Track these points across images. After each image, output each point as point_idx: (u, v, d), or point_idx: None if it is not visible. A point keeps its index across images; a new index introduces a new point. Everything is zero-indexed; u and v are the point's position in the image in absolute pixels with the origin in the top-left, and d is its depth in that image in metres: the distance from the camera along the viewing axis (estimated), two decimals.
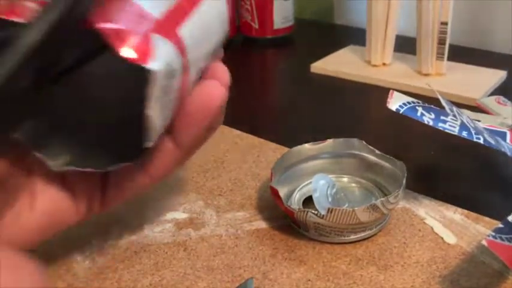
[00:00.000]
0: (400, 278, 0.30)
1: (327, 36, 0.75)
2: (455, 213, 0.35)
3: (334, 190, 0.36)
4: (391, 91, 0.35)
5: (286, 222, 0.35)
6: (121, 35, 0.22)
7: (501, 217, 0.29)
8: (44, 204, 0.27)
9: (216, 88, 0.28)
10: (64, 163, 0.26)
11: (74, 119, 0.28)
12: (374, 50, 0.59)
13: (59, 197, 0.27)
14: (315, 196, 0.35)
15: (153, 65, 0.22)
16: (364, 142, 0.37)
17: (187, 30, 0.26)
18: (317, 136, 0.39)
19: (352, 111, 0.52)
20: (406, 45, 0.60)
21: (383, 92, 0.37)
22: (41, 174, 0.27)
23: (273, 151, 0.44)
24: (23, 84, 0.21)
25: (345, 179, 0.38)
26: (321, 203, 0.35)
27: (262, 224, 0.35)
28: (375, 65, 0.60)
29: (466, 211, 0.35)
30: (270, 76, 0.65)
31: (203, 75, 0.29)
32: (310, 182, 0.37)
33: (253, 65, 0.67)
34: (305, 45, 0.72)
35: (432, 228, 0.34)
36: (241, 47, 0.72)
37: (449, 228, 0.34)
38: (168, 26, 0.25)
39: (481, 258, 0.31)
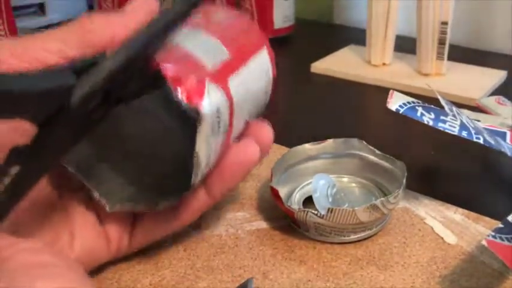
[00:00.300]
0: (400, 278, 0.30)
1: (327, 36, 0.75)
2: (456, 213, 0.35)
3: (334, 190, 0.36)
4: (391, 91, 0.35)
5: (286, 222, 0.35)
6: (179, 77, 0.25)
7: (501, 217, 0.29)
8: (83, 243, 0.29)
9: (253, 148, 0.30)
10: (118, 202, 0.29)
11: (128, 158, 0.30)
12: (374, 50, 0.59)
13: (94, 237, 0.29)
14: (315, 196, 0.35)
15: (205, 106, 0.25)
16: (364, 142, 0.37)
17: (234, 84, 0.28)
18: (317, 136, 0.39)
19: (352, 111, 0.52)
20: (406, 45, 0.60)
21: (383, 92, 0.37)
22: (79, 215, 0.29)
23: (273, 151, 0.43)
24: (92, 105, 0.23)
25: (345, 179, 0.38)
26: (321, 203, 0.35)
27: (262, 224, 0.35)
28: (375, 65, 0.59)
29: (466, 211, 0.35)
30: None
31: (246, 132, 0.31)
32: (310, 182, 0.37)
33: None
34: (305, 45, 0.72)
35: (432, 228, 0.34)
36: None
37: (450, 228, 0.34)
38: (219, 77, 0.27)
39: (481, 258, 0.31)
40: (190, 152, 0.25)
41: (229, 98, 0.27)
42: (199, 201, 0.30)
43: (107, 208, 0.28)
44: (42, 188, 0.28)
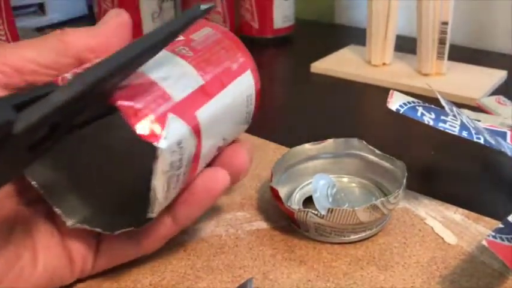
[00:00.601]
0: (400, 278, 0.30)
1: (327, 36, 0.75)
2: (456, 213, 0.35)
3: (334, 190, 0.36)
4: (391, 91, 0.35)
5: (286, 222, 0.35)
6: (137, 113, 0.24)
7: (501, 217, 0.29)
8: (45, 261, 0.28)
9: (222, 176, 0.29)
10: (78, 221, 0.28)
11: (89, 181, 0.30)
12: (374, 50, 0.59)
13: (58, 256, 0.29)
14: (315, 196, 0.35)
15: (163, 142, 0.24)
16: (364, 142, 0.37)
17: (205, 112, 0.28)
18: (317, 136, 0.39)
19: (352, 111, 0.52)
20: (406, 45, 0.60)
21: (383, 92, 0.37)
22: (43, 233, 0.28)
23: (273, 151, 0.44)
24: (39, 135, 0.23)
25: (345, 179, 0.38)
26: (321, 203, 0.35)
27: (262, 224, 0.35)
28: (375, 65, 0.59)
29: (466, 211, 0.35)
30: (270, 76, 0.65)
31: (220, 157, 0.31)
32: (310, 182, 0.37)
33: None
34: (305, 45, 0.72)
35: (432, 228, 0.34)
36: None
37: (450, 228, 0.34)
38: (185, 109, 0.27)
39: (482, 258, 0.31)
40: (147, 186, 0.25)
41: (196, 129, 0.27)
42: (164, 228, 0.29)
43: (67, 224, 0.28)
44: (1, 199, 0.27)
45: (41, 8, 0.78)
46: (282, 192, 0.34)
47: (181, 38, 0.30)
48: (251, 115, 0.33)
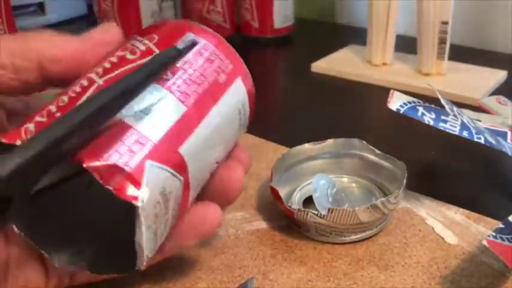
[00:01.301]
0: (400, 278, 0.30)
1: (328, 36, 0.75)
2: (456, 214, 0.35)
3: (335, 190, 0.36)
4: (391, 91, 0.35)
5: (286, 222, 0.35)
6: (109, 172, 0.22)
7: (502, 217, 0.29)
8: (17, 276, 0.27)
9: (214, 213, 0.28)
10: (64, 264, 0.26)
11: (73, 230, 0.28)
12: (374, 50, 0.59)
13: (32, 272, 0.27)
14: (315, 196, 0.35)
15: (141, 198, 0.23)
16: (364, 142, 0.37)
17: (190, 145, 0.26)
18: (317, 136, 0.39)
19: (352, 111, 0.52)
20: (406, 45, 0.60)
21: (383, 92, 0.37)
22: (17, 246, 0.27)
23: (273, 151, 0.44)
24: None
25: (345, 179, 0.38)
26: (321, 203, 0.35)
27: (262, 224, 0.35)
28: (375, 65, 0.59)
29: (467, 211, 0.35)
30: (269, 76, 0.65)
31: (214, 182, 0.29)
32: (310, 182, 0.37)
33: (253, 64, 0.66)
34: (305, 45, 0.72)
35: (433, 228, 0.34)
36: (241, 46, 0.72)
37: (450, 228, 0.34)
38: (166, 148, 0.25)
39: (482, 258, 0.31)
40: (132, 239, 0.24)
41: (181, 168, 0.25)
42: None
43: (56, 265, 0.26)
44: None
45: (40, 8, 0.78)
46: (282, 192, 0.34)
47: (157, 52, 0.27)
48: (246, 121, 0.32)
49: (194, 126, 0.26)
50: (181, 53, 0.26)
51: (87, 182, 0.24)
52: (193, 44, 0.27)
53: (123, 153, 0.23)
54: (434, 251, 0.32)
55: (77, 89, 0.25)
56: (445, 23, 0.53)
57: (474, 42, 0.66)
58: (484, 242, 0.26)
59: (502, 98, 0.49)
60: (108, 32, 0.28)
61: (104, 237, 0.28)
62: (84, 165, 0.22)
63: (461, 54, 0.60)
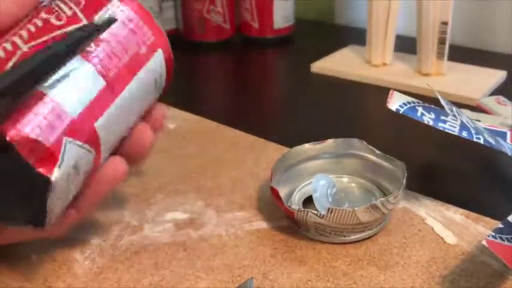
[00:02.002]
0: (400, 278, 0.30)
1: (327, 36, 0.75)
2: (456, 214, 0.35)
3: (334, 190, 0.36)
4: (391, 91, 0.35)
5: (286, 222, 0.35)
6: (30, 144, 0.23)
7: (501, 217, 0.29)
8: None
9: (120, 167, 0.30)
10: None
11: None
12: (374, 50, 0.59)
13: None
14: (315, 196, 0.35)
15: (55, 173, 0.24)
16: (364, 142, 0.37)
17: (105, 120, 0.27)
18: (317, 136, 0.39)
19: (352, 111, 0.52)
20: (406, 45, 0.60)
21: (383, 92, 0.37)
22: None
23: (273, 151, 0.44)
24: None
25: (345, 179, 0.38)
26: (321, 203, 0.35)
27: (262, 224, 0.35)
28: (375, 65, 0.59)
29: (466, 211, 0.35)
30: (270, 76, 0.65)
31: (126, 141, 0.31)
32: (310, 182, 0.37)
33: (253, 65, 0.67)
34: (305, 45, 0.72)
35: (432, 228, 0.34)
36: (241, 47, 0.72)
37: (450, 228, 0.34)
38: (83, 124, 0.26)
39: (481, 258, 0.31)
40: (44, 206, 0.25)
41: (95, 142, 0.27)
42: (68, 217, 0.29)
43: None
44: None
45: None
46: (282, 192, 0.34)
47: (83, 22, 0.28)
48: (162, 87, 0.32)
49: (112, 100, 0.27)
50: (99, 31, 0.26)
51: (3, 146, 0.24)
52: (111, 20, 0.27)
53: (44, 128, 0.24)
54: (434, 251, 0.32)
55: (0, 53, 0.25)
56: (445, 23, 0.53)
57: (474, 43, 0.66)
58: (484, 242, 0.26)
59: (502, 98, 0.49)
60: None
61: (15, 203, 0.27)
62: (7, 138, 0.23)
63: (461, 54, 0.60)
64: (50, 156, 0.24)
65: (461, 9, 0.63)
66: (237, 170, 0.41)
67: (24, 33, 0.27)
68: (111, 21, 0.27)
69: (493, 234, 0.27)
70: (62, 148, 0.25)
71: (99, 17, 0.28)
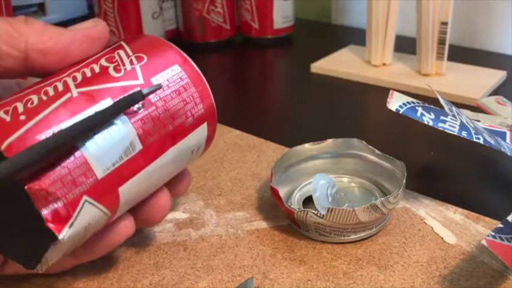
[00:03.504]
0: (400, 278, 0.30)
1: (327, 36, 0.75)
2: (456, 213, 0.35)
3: (334, 190, 0.36)
4: (391, 91, 0.35)
5: (286, 222, 0.35)
6: (45, 197, 0.23)
7: (501, 217, 0.29)
8: None
9: (127, 228, 0.29)
10: None
11: None
12: (374, 50, 0.59)
13: None
14: (315, 196, 0.35)
15: (64, 232, 0.23)
16: (364, 142, 0.37)
17: (131, 185, 0.26)
18: (317, 136, 0.39)
19: (352, 111, 0.52)
20: (406, 45, 0.60)
21: (383, 92, 0.37)
22: None
23: (273, 151, 0.44)
24: None
25: (345, 179, 0.38)
26: (321, 203, 0.35)
27: (262, 224, 0.35)
28: (375, 65, 0.60)
29: (466, 211, 0.35)
30: (270, 76, 0.65)
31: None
32: (310, 182, 0.37)
33: (253, 65, 0.67)
34: (305, 45, 0.72)
35: (432, 228, 0.34)
36: (241, 47, 0.72)
37: (450, 228, 0.34)
38: (108, 186, 0.25)
39: (481, 258, 0.31)
40: (40, 255, 0.24)
41: (113, 207, 0.26)
42: (65, 262, 0.29)
43: None
44: None
45: (41, 8, 0.78)
46: (282, 192, 0.34)
47: (139, 81, 0.27)
48: (195, 158, 0.31)
49: (143, 166, 0.26)
50: (143, 99, 0.26)
51: (22, 194, 0.24)
52: (159, 88, 0.27)
53: (66, 183, 0.23)
54: (434, 251, 0.32)
55: (50, 91, 0.25)
56: (445, 23, 0.53)
57: (474, 43, 0.66)
58: (483, 242, 0.26)
59: (501, 98, 0.49)
60: (95, 28, 0.27)
61: (21, 234, 0.27)
62: (26, 187, 0.22)
63: (461, 54, 0.60)
64: (65, 213, 0.23)
65: (461, 10, 0.63)
66: (237, 170, 0.41)
67: (79, 75, 0.26)
68: (155, 89, 0.27)
69: (493, 234, 0.27)
70: (79, 207, 0.24)
71: (157, 79, 0.27)
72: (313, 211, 0.31)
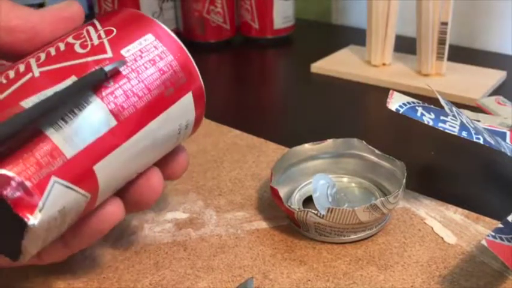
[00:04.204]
0: (400, 278, 0.30)
1: (327, 36, 0.75)
2: (456, 213, 0.35)
3: (334, 190, 0.36)
4: (391, 91, 0.35)
5: (286, 222, 0.35)
6: (11, 183, 0.22)
7: (501, 217, 0.29)
8: None
9: (117, 211, 0.27)
10: None
11: None
12: (374, 50, 0.59)
13: None
14: (315, 196, 0.35)
15: (35, 218, 0.22)
16: (364, 142, 0.37)
17: (108, 163, 0.25)
18: (317, 136, 0.39)
19: (352, 111, 0.52)
20: (406, 45, 0.60)
21: (383, 92, 0.37)
22: None
23: (273, 151, 0.44)
24: None
25: (345, 179, 0.38)
26: (321, 203, 0.35)
27: (262, 224, 0.35)
28: (375, 65, 0.60)
29: (466, 211, 0.35)
30: (270, 76, 0.65)
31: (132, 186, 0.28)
32: (310, 182, 0.37)
33: (253, 65, 0.67)
34: (305, 45, 0.72)
35: (432, 228, 0.34)
36: (241, 47, 0.72)
37: (449, 228, 0.34)
38: (79, 165, 0.24)
39: (481, 258, 0.31)
40: (17, 244, 0.23)
41: (91, 187, 0.24)
42: (55, 251, 0.28)
43: None
44: None
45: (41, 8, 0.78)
46: (282, 192, 0.34)
47: (108, 54, 0.25)
48: (188, 135, 0.30)
49: (120, 142, 0.25)
50: (107, 77, 0.25)
51: None
52: (123, 63, 0.25)
53: (29, 166, 0.22)
54: (434, 251, 0.32)
55: (11, 74, 0.24)
56: (445, 23, 0.53)
57: (474, 43, 0.66)
58: (483, 242, 0.26)
59: (501, 99, 0.49)
60: (68, 9, 0.26)
61: None
62: None
63: (461, 54, 0.60)
64: (32, 197, 0.22)
65: (461, 10, 0.63)
66: (237, 170, 0.41)
67: (42, 55, 0.25)
68: (118, 66, 0.25)
69: (493, 234, 0.27)
70: (47, 190, 0.22)
71: (128, 50, 0.26)
72: (313, 211, 0.31)
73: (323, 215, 0.31)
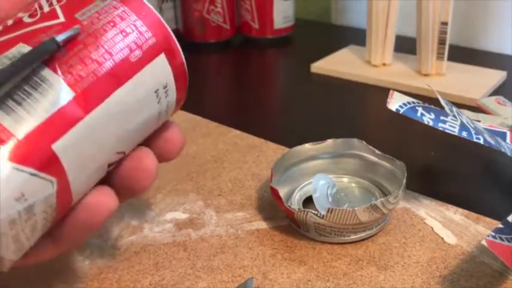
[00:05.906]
0: (400, 278, 0.30)
1: (327, 36, 0.75)
2: (456, 214, 0.35)
3: (334, 190, 0.36)
4: (391, 91, 0.35)
5: (286, 222, 0.35)
6: None
7: (501, 217, 0.29)
8: None
9: (106, 198, 0.25)
10: None
11: None
12: (374, 50, 0.59)
13: None
14: (315, 196, 0.35)
15: None
16: (364, 142, 0.37)
17: (69, 140, 0.22)
18: (317, 136, 0.39)
19: (352, 111, 0.52)
20: (406, 45, 0.60)
21: (383, 92, 0.37)
22: None
23: (273, 151, 0.44)
24: None
25: (345, 179, 0.38)
26: (321, 203, 0.35)
27: (262, 224, 0.35)
28: (375, 65, 0.60)
29: (466, 211, 0.35)
30: (270, 76, 0.65)
31: (121, 169, 0.26)
32: (310, 182, 0.37)
33: (253, 65, 0.67)
34: (305, 45, 0.72)
35: (432, 228, 0.34)
36: (241, 47, 0.72)
37: (450, 228, 0.34)
38: (34, 145, 0.21)
39: (481, 258, 0.31)
40: None
41: (52, 167, 0.21)
42: (46, 251, 0.25)
43: None
44: None
45: None
46: (282, 192, 0.34)
47: (60, 19, 0.23)
48: (173, 105, 0.27)
49: (81, 116, 0.22)
50: (59, 47, 0.22)
51: None
52: (76, 32, 0.23)
53: None
54: (434, 251, 0.32)
55: None
56: (445, 23, 0.53)
57: (473, 43, 0.66)
58: (483, 242, 0.26)
59: (501, 99, 0.49)
60: None
61: None
62: None
63: (461, 54, 0.60)
64: None
65: (461, 10, 0.63)
66: (237, 170, 0.41)
67: None
68: (71, 36, 0.23)
69: (493, 234, 0.27)
70: None
71: (83, 13, 0.23)
72: (313, 211, 0.31)
73: (323, 215, 0.31)
